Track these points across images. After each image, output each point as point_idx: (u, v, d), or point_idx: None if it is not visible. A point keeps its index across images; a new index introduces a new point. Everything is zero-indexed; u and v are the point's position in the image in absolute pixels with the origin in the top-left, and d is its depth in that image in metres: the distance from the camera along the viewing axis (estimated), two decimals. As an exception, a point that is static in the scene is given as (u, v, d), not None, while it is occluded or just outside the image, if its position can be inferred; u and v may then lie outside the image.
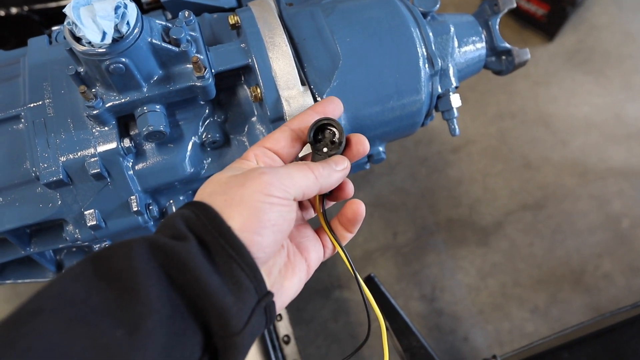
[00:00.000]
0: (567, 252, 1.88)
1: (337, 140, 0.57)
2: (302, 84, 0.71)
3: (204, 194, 0.48)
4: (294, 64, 0.69)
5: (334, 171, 0.54)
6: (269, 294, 0.45)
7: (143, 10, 0.88)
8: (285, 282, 0.50)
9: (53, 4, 1.32)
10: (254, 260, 0.43)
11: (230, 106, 0.77)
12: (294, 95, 0.68)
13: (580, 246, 1.88)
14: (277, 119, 0.70)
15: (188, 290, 0.39)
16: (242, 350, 0.41)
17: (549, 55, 2.16)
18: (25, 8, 1.29)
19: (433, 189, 1.97)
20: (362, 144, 0.58)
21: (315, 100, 0.71)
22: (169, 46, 0.63)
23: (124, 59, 0.59)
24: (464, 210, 1.94)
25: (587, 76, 2.12)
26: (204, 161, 0.75)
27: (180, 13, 0.68)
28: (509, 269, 1.86)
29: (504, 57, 0.90)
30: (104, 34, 0.56)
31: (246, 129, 0.77)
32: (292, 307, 1.78)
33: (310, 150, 0.57)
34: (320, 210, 0.58)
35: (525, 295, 1.83)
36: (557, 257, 1.87)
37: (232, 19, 0.74)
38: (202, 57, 0.66)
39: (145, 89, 0.65)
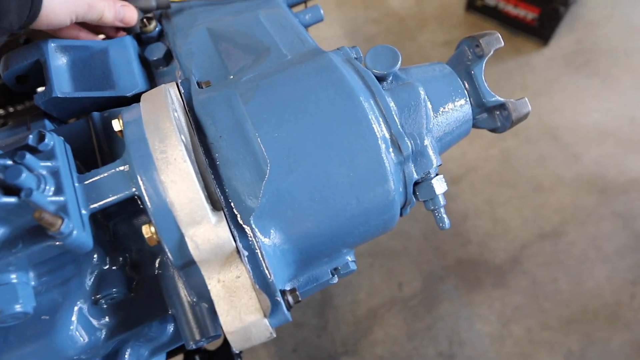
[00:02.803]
0: (597, 283, 1.65)
1: None
2: (216, 208, 0.50)
3: None
4: (198, 187, 0.48)
5: None
6: None
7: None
8: None
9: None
10: None
11: (132, 239, 0.56)
12: (202, 233, 0.48)
13: (610, 274, 1.66)
14: (185, 265, 0.50)
15: None
16: None
17: (546, 61, 1.94)
18: None
19: (436, 228, 1.76)
20: None
21: (238, 228, 0.51)
22: (3, 199, 0.43)
23: None
24: (473, 248, 1.72)
25: (592, 79, 1.90)
26: (101, 321, 0.55)
27: (31, 136, 0.48)
28: (533, 310, 1.63)
29: (497, 113, 0.69)
30: None
31: (157, 265, 0.56)
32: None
33: None
34: None
35: (556, 339, 1.60)
36: (587, 291, 1.64)
37: (117, 124, 0.54)
38: (62, 199, 0.46)
39: (-21, 260, 0.45)
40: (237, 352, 0.92)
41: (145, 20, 0.75)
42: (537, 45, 1.97)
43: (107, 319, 0.55)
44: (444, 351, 1.62)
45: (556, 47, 1.96)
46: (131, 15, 0.71)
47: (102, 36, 0.76)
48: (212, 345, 0.94)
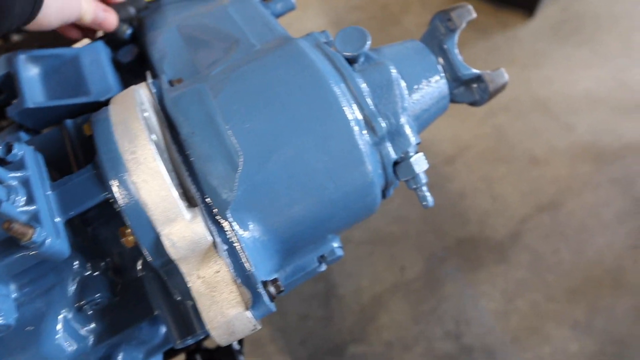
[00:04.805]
0: (598, 251, 1.64)
1: None
2: (193, 205, 0.50)
3: None
4: (169, 186, 0.48)
5: None
6: None
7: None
8: None
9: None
10: None
11: (112, 243, 0.56)
12: (177, 230, 0.47)
13: (611, 241, 1.65)
14: (165, 264, 0.49)
15: None
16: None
17: (532, 32, 1.93)
18: None
19: (434, 209, 1.75)
20: None
21: (216, 223, 0.50)
22: (-29, 212, 0.43)
23: None
24: (473, 227, 1.72)
25: (581, 47, 1.89)
26: (87, 327, 0.54)
27: (0, 147, 0.48)
28: (537, 284, 1.63)
29: (474, 86, 0.68)
30: None
31: (139, 267, 0.56)
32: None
33: None
34: None
35: (562, 310, 1.60)
36: (589, 259, 1.64)
37: (88, 130, 0.54)
38: (33, 208, 0.45)
39: (-46, 275, 0.45)
40: (238, 348, 0.92)
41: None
42: (523, 17, 1.96)
43: (93, 324, 0.55)
44: (451, 331, 1.62)
45: (542, 17, 1.95)
46: (111, 21, 0.72)
47: (87, 40, 0.76)
48: (213, 344, 0.94)
